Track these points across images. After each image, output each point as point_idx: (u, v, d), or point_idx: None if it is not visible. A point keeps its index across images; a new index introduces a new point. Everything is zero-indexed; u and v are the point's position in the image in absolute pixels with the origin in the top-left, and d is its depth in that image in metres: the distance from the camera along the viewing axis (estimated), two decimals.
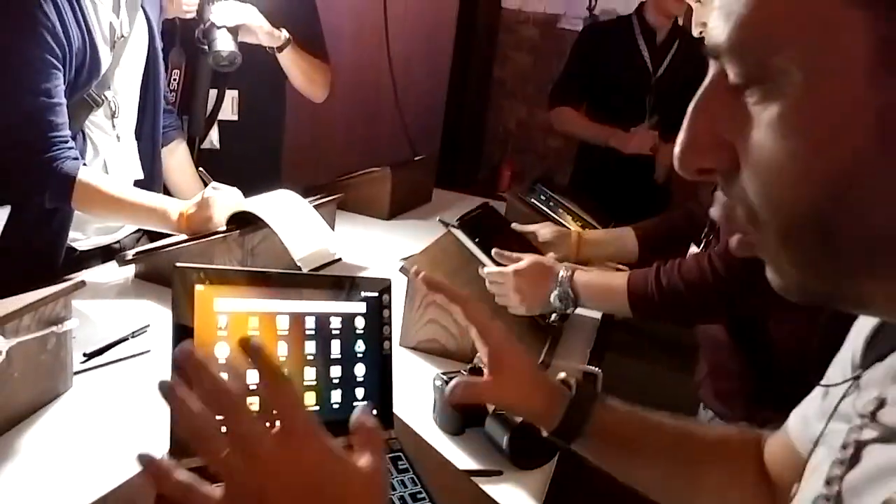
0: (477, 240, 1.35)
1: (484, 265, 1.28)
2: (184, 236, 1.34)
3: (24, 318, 0.86)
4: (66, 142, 1.30)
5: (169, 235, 1.38)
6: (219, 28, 1.71)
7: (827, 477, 0.45)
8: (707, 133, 0.39)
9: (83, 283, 0.97)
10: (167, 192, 1.61)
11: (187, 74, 1.80)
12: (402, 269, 1.23)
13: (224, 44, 1.70)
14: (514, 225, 1.70)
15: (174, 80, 1.77)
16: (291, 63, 1.93)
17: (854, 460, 0.44)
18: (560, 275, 1.23)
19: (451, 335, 1.21)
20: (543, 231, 1.65)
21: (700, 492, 0.68)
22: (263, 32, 1.81)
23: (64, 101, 1.29)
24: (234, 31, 1.74)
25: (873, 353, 0.49)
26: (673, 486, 0.70)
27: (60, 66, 1.27)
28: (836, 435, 0.47)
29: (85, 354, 1.05)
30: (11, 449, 0.84)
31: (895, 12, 0.31)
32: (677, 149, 0.40)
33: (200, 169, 1.74)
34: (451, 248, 1.36)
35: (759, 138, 0.36)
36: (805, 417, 0.60)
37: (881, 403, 0.44)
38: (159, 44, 1.53)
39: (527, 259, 1.26)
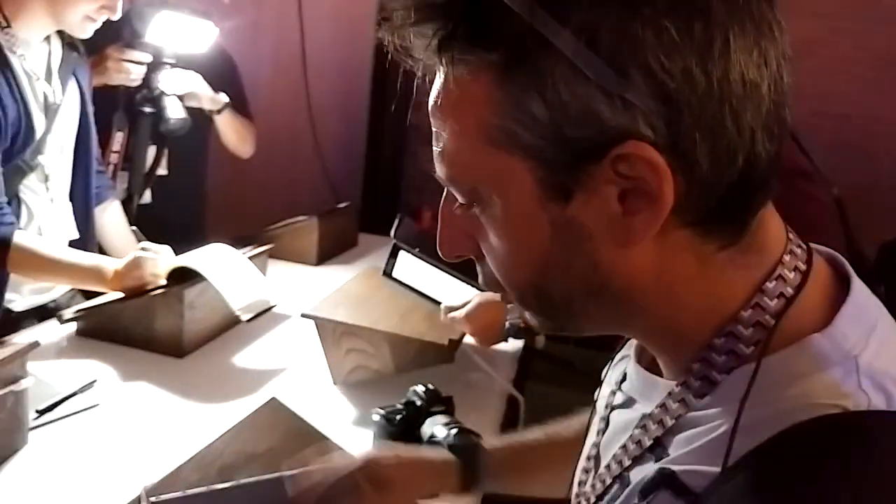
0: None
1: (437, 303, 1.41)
2: (121, 294, 1.40)
3: None
4: (1, 208, 1.35)
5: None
6: (168, 96, 1.81)
7: (593, 441, 0.57)
8: (456, 231, 0.51)
9: (37, 343, 1.03)
10: (101, 251, 1.65)
11: (129, 136, 1.87)
12: (304, 314, 1.33)
13: (175, 111, 1.82)
14: (443, 317, 1.43)
15: (118, 141, 1.84)
16: (227, 124, 2.05)
17: (606, 425, 0.56)
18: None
19: (371, 356, 1.32)
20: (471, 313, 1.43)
21: None
22: (207, 98, 1.94)
23: None
24: (182, 97, 1.85)
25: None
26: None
27: None
28: (602, 399, 0.59)
29: (37, 411, 1.10)
30: None
31: (534, 161, 0.43)
32: (438, 241, 0.53)
33: (134, 227, 1.79)
34: (366, 282, 1.53)
35: (487, 237, 0.48)
36: None
37: (624, 376, 0.56)
38: (90, 108, 1.58)
39: (474, 300, 1.37)
